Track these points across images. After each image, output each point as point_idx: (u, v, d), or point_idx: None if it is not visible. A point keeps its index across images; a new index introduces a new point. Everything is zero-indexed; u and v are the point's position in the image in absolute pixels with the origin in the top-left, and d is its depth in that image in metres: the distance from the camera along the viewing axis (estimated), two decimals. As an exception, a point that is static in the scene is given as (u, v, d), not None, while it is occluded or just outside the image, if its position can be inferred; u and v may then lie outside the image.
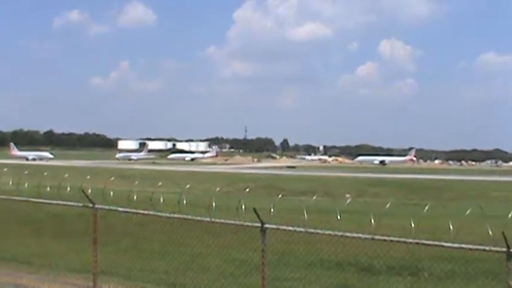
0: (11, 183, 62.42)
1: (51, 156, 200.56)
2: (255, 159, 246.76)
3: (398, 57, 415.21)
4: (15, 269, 18.89)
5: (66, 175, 72.20)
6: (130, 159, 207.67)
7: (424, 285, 17.61)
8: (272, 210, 41.01)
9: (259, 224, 12.41)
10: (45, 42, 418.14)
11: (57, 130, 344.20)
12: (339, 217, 39.38)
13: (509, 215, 39.41)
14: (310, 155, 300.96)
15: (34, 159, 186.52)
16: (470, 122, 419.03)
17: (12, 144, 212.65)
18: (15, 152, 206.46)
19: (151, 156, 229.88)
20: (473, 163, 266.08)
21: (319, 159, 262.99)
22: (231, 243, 18.18)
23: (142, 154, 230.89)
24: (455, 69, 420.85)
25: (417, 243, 11.55)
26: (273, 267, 14.00)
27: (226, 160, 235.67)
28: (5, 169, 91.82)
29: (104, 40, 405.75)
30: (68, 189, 55.29)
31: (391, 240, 11.86)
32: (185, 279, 16.57)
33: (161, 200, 47.68)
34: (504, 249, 10.02)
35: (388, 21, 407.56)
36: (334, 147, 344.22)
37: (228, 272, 17.35)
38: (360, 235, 12.18)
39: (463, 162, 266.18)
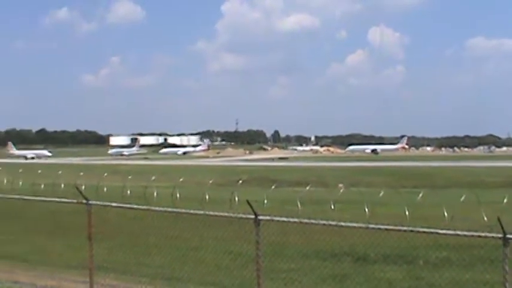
0: (5, 181, 62.46)
1: (49, 154, 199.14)
2: (247, 152, 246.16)
3: (388, 44, 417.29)
4: (12, 267, 18.89)
5: (60, 172, 71.95)
6: (122, 155, 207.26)
7: (419, 272, 17.64)
8: (266, 201, 41.06)
9: (252, 216, 12.35)
10: (35, 41, 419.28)
11: (50, 128, 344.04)
12: (332, 207, 39.41)
13: (504, 201, 39.50)
14: (301, 145, 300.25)
15: (33, 158, 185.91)
16: (462, 108, 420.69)
17: (10, 143, 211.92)
18: (13, 151, 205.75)
19: (143, 151, 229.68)
20: (466, 149, 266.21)
21: (311, 150, 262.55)
22: (225, 236, 18.13)
23: (134, 149, 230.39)
24: (445, 55, 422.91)
25: (412, 231, 11.41)
26: (268, 259, 13.96)
27: (218, 153, 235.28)
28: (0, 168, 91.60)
29: (94, 37, 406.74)
30: (62, 186, 55.31)
31: (386, 229, 11.72)
32: (181, 273, 16.53)
33: (155, 194, 47.70)
34: (500, 234, 9.87)
35: (376, 9, 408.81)
36: (325, 137, 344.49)
37: (223, 265, 17.33)
38: (355, 224, 12.07)
39: (455, 148, 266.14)
